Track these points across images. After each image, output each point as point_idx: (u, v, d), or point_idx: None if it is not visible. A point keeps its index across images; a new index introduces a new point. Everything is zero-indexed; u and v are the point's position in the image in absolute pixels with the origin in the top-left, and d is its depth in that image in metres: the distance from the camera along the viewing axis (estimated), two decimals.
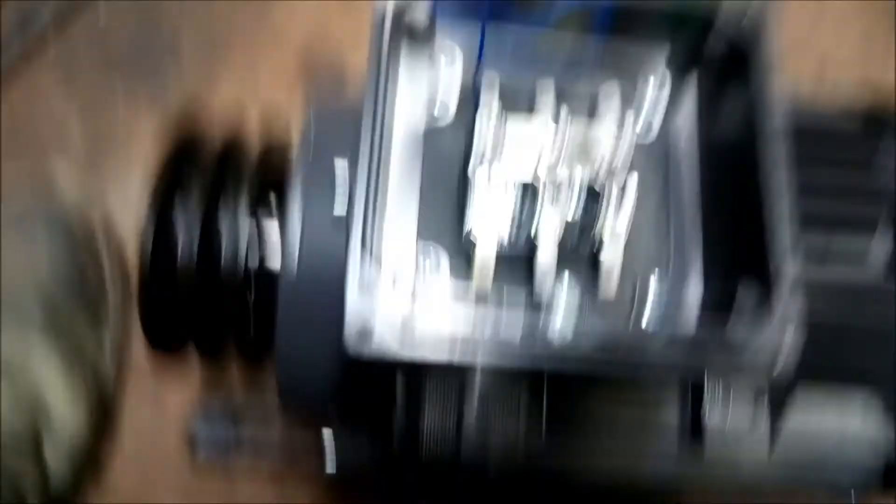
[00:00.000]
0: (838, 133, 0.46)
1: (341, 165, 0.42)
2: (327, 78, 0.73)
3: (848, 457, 0.48)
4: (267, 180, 0.51)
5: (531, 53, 0.43)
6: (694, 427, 0.46)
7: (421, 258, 0.40)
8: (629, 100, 0.43)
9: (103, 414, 0.67)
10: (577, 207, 0.40)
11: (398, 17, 0.37)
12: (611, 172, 0.38)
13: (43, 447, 0.61)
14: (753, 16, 0.39)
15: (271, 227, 0.50)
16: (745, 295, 0.36)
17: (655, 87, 0.43)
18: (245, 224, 0.47)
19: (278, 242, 0.48)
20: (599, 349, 0.35)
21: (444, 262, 0.40)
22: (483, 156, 0.38)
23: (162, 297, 0.47)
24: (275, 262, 0.46)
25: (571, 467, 0.47)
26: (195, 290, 0.46)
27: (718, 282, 0.41)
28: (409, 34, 0.38)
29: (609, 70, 0.43)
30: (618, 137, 0.39)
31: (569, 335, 0.36)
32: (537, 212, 0.39)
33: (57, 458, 0.62)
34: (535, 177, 0.39)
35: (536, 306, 0.40)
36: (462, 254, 0.40)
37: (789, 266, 0.35)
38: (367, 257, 0.35)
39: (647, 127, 0.44)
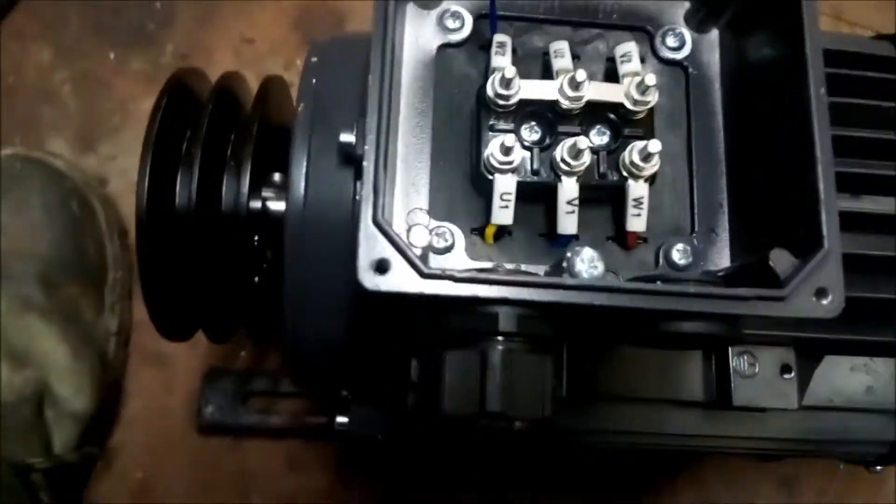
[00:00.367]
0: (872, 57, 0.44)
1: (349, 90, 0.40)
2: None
3: (872, 429, 0.46)
4: (268, 135, 0.49)
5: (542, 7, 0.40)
6: (720, 387, 0.43)
7: (434, 234, 0.37)
8: (644, 59, 0.40)
9: (110, 397, 0.65)
10: (603, 132, 0.37)
11: None
12: (639, 91, 0.36)
13: (50, 432, 0.59)
14: None
15: (276, 176, 0.48)
16: (779, 258, 0.32)
17: (673, 44, 0.40)
18: (246, 167, 0.45)
19: (282, 183, 0.45)
20: (632, 281, 0.32)
21: (459, 236, 0.37)
22: (502, 74, 0.35)
23: (163, 246, 0.44)
24: (279, 204, 0.43)
25: (594, 427, 0.45)
26: (196, 234, 0.43)
27: (749, 247, 0.38)
28: None
29: (624, 27, 0.41)
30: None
31: (598, 268, 0.33)
32: (562, 136, 0.36)
33: (63, 438, 0.60)
34: (559, 96, 0.36)
35: (559, 241, 0.37)
36: (479, 186, 0.38)
37: (836, 234, 0.31)
38: (382, 186, 0.31)
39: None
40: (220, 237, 0.45)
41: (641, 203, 0.36)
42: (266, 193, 0.47)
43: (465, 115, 0.39)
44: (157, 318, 0.47)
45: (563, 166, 0.36)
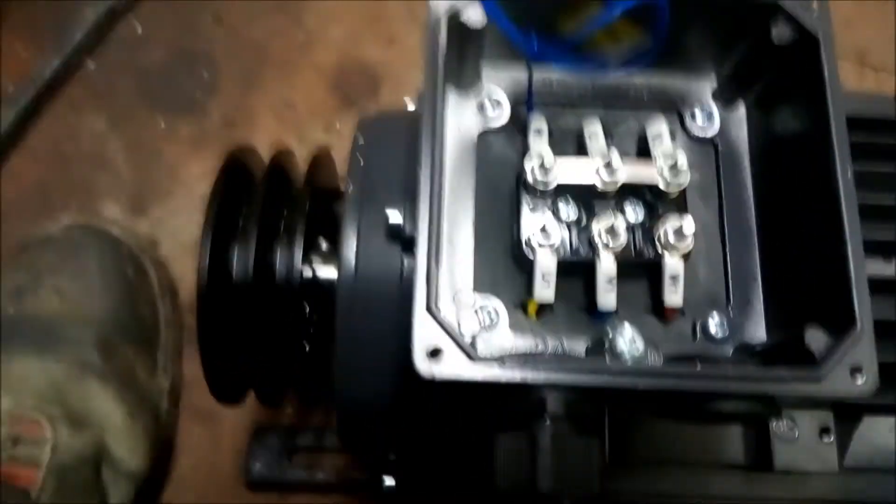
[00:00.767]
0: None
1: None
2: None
3: None
4: (316, 204, 0.51)
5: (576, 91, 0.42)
6: (761, 451, 0.44)
7: (479, 313, 0.39)
8: (675, 136, 0.42)
9: (162, 455, 0.67)
10: (638, 210, 0.39)
11: (453, 17, 0.36)
12: (672, 173, 0.38)
13: (107, 492, 0.61)
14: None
15: (324, 244, 0.51)
16: (815, 337, 0.34)
17: (702, 121, 0.42)
18: (299, 241, 0.47)
19: (329, 251, 0.48)
20: (671, 363, 0.34)
21: (503, 312, 0.39)
22: (539, 159, 0.37)
23: (220, 317, 0.47)
24: (332, 271, 0.46)
25: (636, 490, 0.46)
26: (252, 304, 0.46)
27: (784, 319, 0.39)
28: (462, 36, 0.37)
29: (654, 105, 0.43)
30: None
31: (639, 346, 0.34)
32: (599, 214, 0.38)
33: (119, 498, 0.62)
34: (595, 179, 0.38)
35: (598, 317, 0.39)
36: (520, 263, 0.40)
37: (868, 312, 0.33)
38: (434, 276, 0.33)
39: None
40: (274, 306, 0.48)
41: (677, 279, 0.37)
42: (315, 260, 0.50)
43: (504, 194, 0.41)
44: (213, 385, 0.50)
45: (600, 244, 0.38)
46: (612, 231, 0.37)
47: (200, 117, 0.81)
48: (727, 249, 0.40)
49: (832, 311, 0.34)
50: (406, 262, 0.43)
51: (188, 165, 0.79)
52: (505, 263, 0.40)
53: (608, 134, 0.41)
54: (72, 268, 0.66)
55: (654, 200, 0.39)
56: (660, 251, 0.38)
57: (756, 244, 0.40)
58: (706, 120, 0.42)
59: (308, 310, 0.50)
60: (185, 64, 0.82)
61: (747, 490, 0.45)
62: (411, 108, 0.50)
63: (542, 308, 0.39)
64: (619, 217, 0.37)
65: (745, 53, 0.40)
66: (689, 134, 0.42)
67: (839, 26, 0.38)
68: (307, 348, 0.50)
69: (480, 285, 0.39)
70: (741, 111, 0.43)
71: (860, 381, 0.31)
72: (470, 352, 0.31)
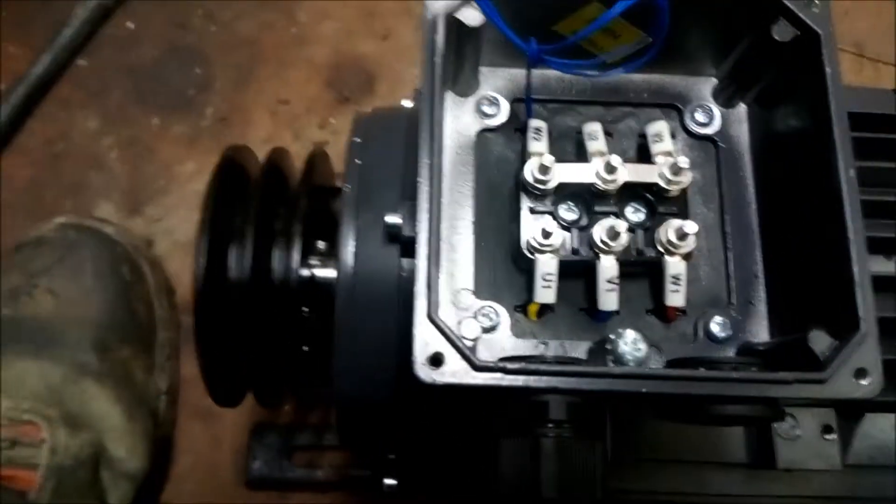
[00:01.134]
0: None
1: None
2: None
3: None
4: (313, 203, 0.51)
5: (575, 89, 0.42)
6: (763, 450, 0.44)
7: (479, 316, 0.38)
8: (675, 135, 0.41)
9: (161, 454, 0.67)
10: (639, 210, 0.39)
11: (450, 17, 0.36)
12: (673, 173, 0.37)
13: (106, 493, 0.61)
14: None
15: (321, 244, 0.51)
16: (818, 339, 0.33)
17: (703, 119, 0.42)
18: (297, 241, 0.47)
19: (327, 251, 0.47)
20: (674, 367, 0.34)
21: (504, 315, 0.38)
22: (538, 159, 0.37)
23: (218, 318, 0.46)
24: (330, 272, 0.45)
25: (637, 488, 0.46)
26: (249, 304, 0.45)
27: (787, 319, 0.39)
28: (459, 35, 0.37)
29: (654, 104, 0.42)
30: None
31: (642, 350, 0.34)
32: (599, 215, 0.38)
33: (118, 498, 0.62)
34: (596, 179, 0.38)
35: (601, 316, 0.39)
36: (521, 264, 0.39)
37: (872, 314, 0.32)
38: (434, 282, 0.33)
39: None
40: (272, 307, 0.47)
41: (679, 280, 0.37)
42: (313, 261, 0.49)
43: (504, 195, 0.41)
44: (212, 387, 0.49)
45: (601, 246, 0.37)
46: (612, 232, 0.36)
47: (194, 115, 0.80)
48: (729, 249, 0.40)
49: (835, 312, 0.34)
50: (404, 263, 0.43)
51: (182, 163, 0.78)
52: (505, 265, 0.40)
53: (607, 133, 0.41)
54: (66, 268, 0.65)
55: (655, 200, 0.39)
56: (661, 251, 0.38)
57: (758, 243, 0.40)
58: (706, 118, 0.42)
59: (306, 310, 0.49)
60: (178, 61, 0.81)
61: (749, 488, 0.45)
62: (408, 105, 0.49)
63: (543, 310, 0.39)
64: (620, 218, 0.37)
65: (745, 52, 0.40)
66: (689, 132, 0.42)
67: (837, 17, 0.37)
68: (305, 349, 0.50)
69: (480, 288, 0.39)
70: (742, 109, 0.42)
71: (865, 382, 0.31)
72: (472, 358, 0.31)
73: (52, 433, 0.59)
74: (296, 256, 0.48)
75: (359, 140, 0.47)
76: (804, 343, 0.32)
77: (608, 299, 0.37)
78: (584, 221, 0.39)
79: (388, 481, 0.50)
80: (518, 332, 0.38)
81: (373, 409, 0.45)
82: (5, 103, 0.77)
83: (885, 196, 0.42)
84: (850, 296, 0.32)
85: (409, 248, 0.42)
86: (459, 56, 0.38)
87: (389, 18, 0.83)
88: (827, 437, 0.43)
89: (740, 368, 0.32)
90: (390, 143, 0.47)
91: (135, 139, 0.79)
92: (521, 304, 0.39)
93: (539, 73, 0.41)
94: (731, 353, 0.37)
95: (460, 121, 0.41)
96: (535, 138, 0.39)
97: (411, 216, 0.41)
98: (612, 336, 0.34)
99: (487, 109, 0.41)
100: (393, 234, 0.42)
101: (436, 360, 0.31)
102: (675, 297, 0.37)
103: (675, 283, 0.37)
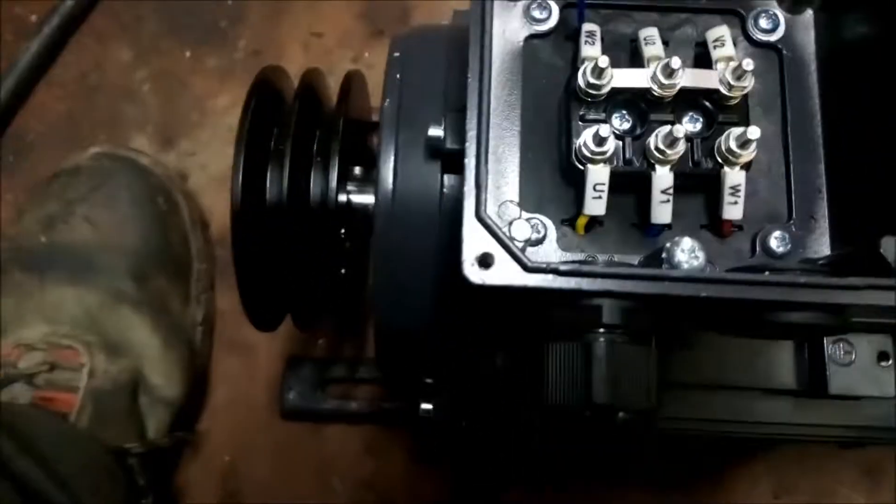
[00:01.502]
0: None
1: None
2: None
3: None
4: (349, 129, 0.50)
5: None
6: (814, 375, 0.43)
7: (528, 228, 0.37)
8: (736, 43, 0.39)
9: (197, 385, 0.67)
10: (697, 120, 0.37)
11: None
12: (735, 77, 0.35)
13: (145, 418, 0.62)
14: None
15: (358, 170, 0.49)
16: (890, 246, 0.31)
17: (766, 25, 0.39)
18: (334, 162, 0.46)
19: (363, 176, 0.46)
20: (740, 275, 0.32)
21: (551, 227, 0.37)
22: (591, 62, 0.35)
23: (254, 240, 0.45)
24: (367, 197, 0.44)
25: (682, 415, 0.45)
26: (286, 227, 0.44)
27: (850, 234, 0.37)
28: None
29: (714, 10, 0.40)
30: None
31: (699, 258, 0.33)
32: (655, 124, 0.36)
33: (156, 425, 0.63)
34: (651, 85, 0.36)
35: (651, 231, 0.37)
36: (570, 177, 0.38)
37: None
38: (483, 181, 0.32)
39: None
40: (309, 230, 0.47)
41: (738, 191, 0.35)
42: (350, 187, 0.48)
43: (553, 106, 0.39)
44: (250, 308, 0.49)
45: (657, 155, 0.36)
46: (670, 139, 0.35)
47: (227, 48, 0.78)
48: (790, 162, 0.38)
49: None
50: (447, 179, 0.42)
51: (215, 97, 0.77)
52: (552, 179, 0.38)
53: (664, 41, 0.38)
54: (103, 196, 0.65)
55: (714, 109, 0.37)
56: (719, 162, 0.36)
57: (821, 156, 0.38)
58: (770, 24, 0.39)
59: (343, 234, 0.48)
60: None
61: (798, 416, 0.44)
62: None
63: (592, 223, 0.37)
64: (679, 127, 0.35)
65: None
66: (751, 40, 0.39)
67: None
68: (343, 272, 0.49)
69: (526, 200, 0.38)
70: (808, 15, 0.40)
71: None
72: (523, 259, 0.30)
73: (91, 358, 0.60)
74: (333, 176, 0.47)
75: (398, 55, 0.45)
76: (873, 252, 0.31)
77: (662, 211, 0.36)
78: (638, 131, 0.37)
79: (425, 406, 0.49)
80: (565, 245, 0.37)
81: (411, 332, 0.45)
82: (38, 36, 0.76)
83: None
84: None
85: (451, 162, 0.41)
86: None
87: None
88: (882, 364, 0.41)
89: (807, 273, 0.31)
90: (431, 58, 0.45)
91: (168, 72, 0.78)
92: (569, 218, 0.38)
93: None
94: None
95: (508, 26, 0.39)
96: (588, 42, 0.37)
97: (454, 128, 0.40)
98: (667, 244, 0.32)
99: (537, 14, 0.39)
100: (435, 148, 0.41)
101: (485, 261, 0.30)
102: (733, 210, 0.36)
103: (733, 195, 0.35)
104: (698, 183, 0.37)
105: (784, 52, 0.39)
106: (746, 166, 0.36)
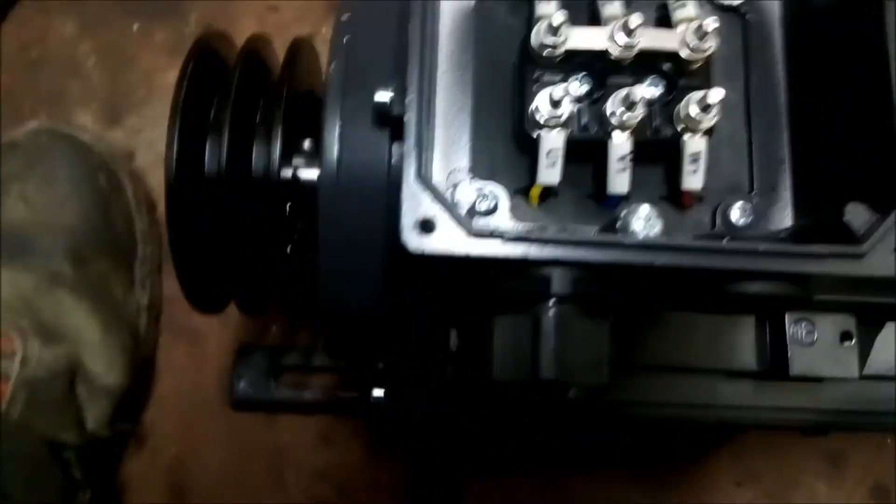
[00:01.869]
0: None
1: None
2: None
3: None
4: (297, 100, 0.47)
5: None
6: (776, 356, 0.41)
7: (477, 196, 0.34)
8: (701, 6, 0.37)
9: (142, 373, 0.64)
10: (657, 85, 0.35)
11: None
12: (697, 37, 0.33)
13: (84, 408, 0.59)
14: None
15: (307, 143, 0.47)
16: (856, 213, 0.30)
17: None
18: (276, 131, 0.43)
19: (312, 150, 0.43)
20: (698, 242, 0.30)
21: (503, 197, 0.35)
22: (546, 20, 0.33)
23: (193, 214, 0.43)
24: (316, 172, 0.42)
25: (639, 399, 0.43)
26: (227, 200, 0.42)
27: (813, 206, 0.35)
28: None
29: None
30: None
31: (656, 227, 0.31)
32: (613, 88, 0.34)
33: (95, 415, 0.59)
34: (609, 45, 0.34)
35: (608, 202, 0.35)
36: (523, 144, 0.35)
37: None
38: (426, 140, 0.29)
39: None
40: (252, 204, 0.44)
41: (699, 159, 0.34)
42: (297, 161, 0.46)
43: (507, 69, 0.37)
44: (188, 288, 0.46)
45: (614, 120, 0.34)
46: (628, 102, 0.33)
47: (177, 21, 0.75)
48: (753, 131, 0.36)
49: (873, 188, 0.30)
50: (395, 148, 0.39)
51: (164, 73, 0.74)
52: (505, 147, 0.36)
53: (625, 2, 0.36)
54: (39, 174, 0.61)
55: (675, 73, 0.35)
56: (680, 130, 0.34)
57: (785, 125, 0.36)
58: None
59: (290, 211, 0.46)
60: None
61: (759, 399, 0.42)
62: None
63: (546, 193, 0.35)
64: (637, 88, 0.33)
65: None
66: (714, 3, 0.38)
67: None
68: (288, 250, 0.47)
69: (479, 170, 0.35)
70: None
71: None
72: (466, 224, 0.28)
73: (24, 344, 0.56)
74: (276, 147, 0.44)
75: (346, 17, 0.42)
76: (836, 221, 0.29)
77: (619, 180, 0.34)
78: (595, 96, 0.35)
79: (377, 392, 0.47)
80: (518, 216, 0.35)
81: (360, 312, 0.42)
82: None
83: None
84: (892, 166, 0.29)
85: (399, 129, 0.38)
86: None
87: None
88: (845, 344, 0.40)
89: (768, 241, 0.29)
90: (382, 21, 0.42)
91: (114, 46, 0.74)
92: (523, 188, 0.35)
93: None
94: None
95: None
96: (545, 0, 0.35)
97: (402, 93, 0.37)
98: (622, 213, 0.30)
99: None
100: (383, 114, 0.38)
101: (426, 226, 0.28)
102: (693, 180, 0.34)
103: (693, 163, 0.33)
104: (658, 152, 0.35)
105: (748, 16, 0.37)
106: (708, 133, 0.34)
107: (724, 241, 0.29)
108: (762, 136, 0.36)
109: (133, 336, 0.63)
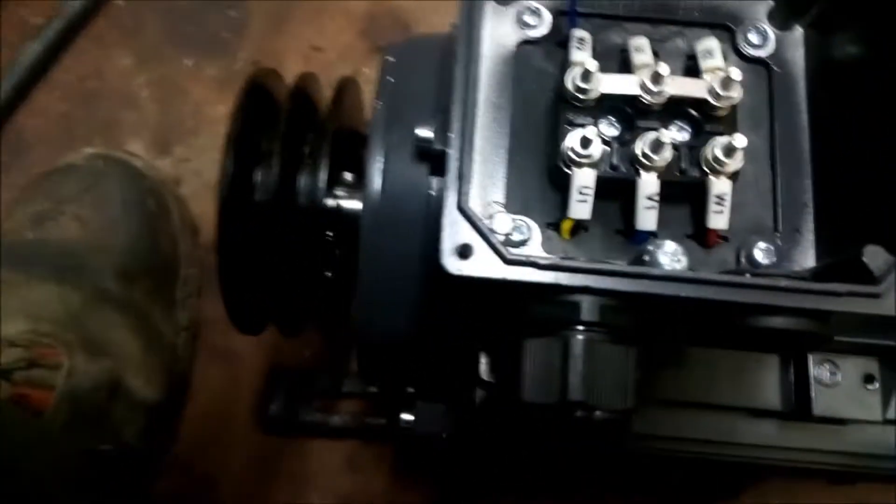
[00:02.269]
0: None
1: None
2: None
3: None
4: (342, 136, 0.50)
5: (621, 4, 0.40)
6: (799, 396, 0.42)
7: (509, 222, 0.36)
8: (726, 56, 0.39)
9: (178, 391, 0.66)
10: (684, 130, 0.37)
11: None
12: (723, 87, 0.35)
13: (121, 421, 0.61)
14: None
15: (349, 176, 0.49)
16: (874, 255, 0.31)
17: (756, 41, 0.40)
18: (324, 163, 0.46)
19: (354, 182, 0.46)
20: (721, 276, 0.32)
21: (535, 230, 0.37)
22: (581, 67, 0.35)
23: (240, 237, 0.45)
24: (357, 204, 0.44)
25: (662, 434, 0.44)
26: (273, 226, 0.44)
27: (835, 248, 0.37)
28: None
29: (705, 23, 0.40)
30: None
31: (682, 262, 0.32)
32: (641, 131, 0.36)
33: (132, 428, 0.61)
34: (641, 90, 0.36)
35: (637, 237, 0.37)
36: (556, 180, 0.38)
37: None
38: (467, 173, 0.32)
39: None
40: (296, 231, 0.46)
41: (723, 200, 0.35)
42: (340, 192, 0.48)
43: (542, 110, 0.39)
44: (231, 308, 0.48)
45: (643, 160, 0.36)
46: (656, 144, 0.34)
47: (227, 57, 0.79)
48: (777, 176, 0.38)
49: (891, 230, 0.31)
50: (434, 182, 0.42)
51: (213, 106, 0.78)
52: (539, 183, 0.38)
53: (654, 52, 0.39)
54: (93, 196, 0.65)
55: (702, 120, 0.37)
56: (706, 171, 0.36)
57: (808, 171, 0.38)
58: (760, 40, 0.40)
59: (331, 236, 0.48)
60: (214, 3, 0.80)
61: (783, 439, 0.43)
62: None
63: (577, 228, 0.37)
64: (665, 132, 0.35)
65: None
66: (741, 54, 0.40)
67: None
68: (329, 275, 0.49)
69: (513, 204, 0.37)
70: (798, 33, 0.40)
71: None
72: (502, 251, 0.30)
73: (70, 357, 0.59)
74: (322, 177, 0.46)
75: (392, 59, 0.45)
76: (856, 262, 0.30)
77: (646, 218, 0.35)
78: (625, 138, 0.37)
79: (406, 416, 0.48)
80: (549, 249, 0.37)
81: (394, 336, 0.44)
82: (42, 38, 0.77)
83: None
84: None
85: (439, 165, 0.41)
86: None
87: None
88: (868, 386, 0.41)
89: (790, 277, 0.30)
90: (425, 64, 0.45)
91: (167, 79, 0.78)
92: (554, 222, 0.37)
93: None
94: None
95: (499, 31, 0.40)
96: (579, 48, 0.37)
97: (443, 131, 0.40)
98: (650, 247, 0.32)
99: (529, 20, 0.39)
100: (423, 149, 0.40)
101: (464, 252, 0.30)
102: (718, 219, 0.35)
103: (718, 204, 0.35)
104: (684, 192, 0.37)
105: (773, 67, 0.39)
106: (733, 177, 0.36)
107: (747, 276, 0.30)
108: (786, 181, 0.38)
109: (171, 354, 0.65)
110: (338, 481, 0.68)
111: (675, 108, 0.37)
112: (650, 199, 0.35)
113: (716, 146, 0.35)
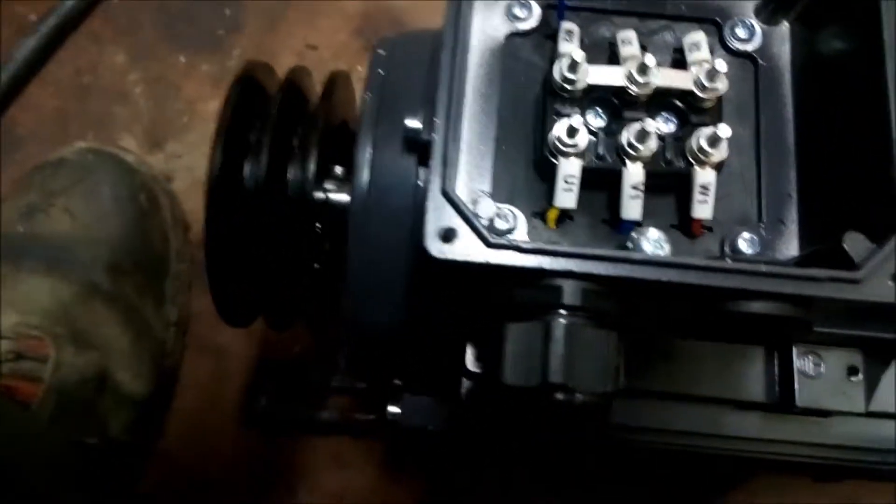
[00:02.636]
0: None
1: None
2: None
3: None
4: (332, 128, 0.50)
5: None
6: (783, 388, 0.42)
7: (497, 218, 0.37)
8: (713, 50, 0.40)
9: (166, 386, 0.66)
10: (670, 121, 0.37)
11: None
12: (709, 78, 0.36)
13: (108, 414, 0.61)
14: None
15: (339, 169, 0.50)
16: (854, 241, 0.32)
17: (743, 35, 0.40)
18: (313, 154, 0.46)
19: (344, 175, 0.46)
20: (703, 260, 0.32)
21: (521, 218, 0.37)
22: (568, 59, 0.36)
23: (229, 228, 0.45)
24: (346, 196, 0.44)
25: (646, 426, 0.44)
26: (261, 217, 0.44)
27: (818, 239, 0.37)
28: None
29: (692, 18, 0.41)
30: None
31: (665, 249, 0.33)
32: (628, 122, 0.36)
33: (119, 422, 0.61)
34: (627, 82, 0.36)
35: (622, 227, 0.37)
36: (542, 170, 0.38)
37: None
38: (452, 159, 0.32)
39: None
40: (284, 222, 0.46)
41: (708, 190, 0.36)
42: (329, 185, 0.48)
43: (530, 101, 0.39)
44: (219, 300, 0.48)
45: (629, 151, 0.36)
46: (641, 134, 0.35)
47: (221, 55, 0.79)
48: (761, 167, 0.38)
49: (874, 221, 0.32)
50: (422, 173, 0.42)
51: (206, 102, 0.78)
52: (526, 173, 0.39)
53: (642, 46, 0.39)
54: (84, 190, 0.65)
55: (688, 111, 0.37)
56: (691, 161, 0.36)
57: (793, 163, 0.38)
58: (747, 34, 0.40)
59: (320, 227, 0.48)
60: (209, 1, 0.81)
61: (765, 431, 0.43)
62: None
63: (563, 217, 0.37)
64: (650, 122, 0.35)
65: None
66: (728, 48, 0.40)
67: None
68: (317, 267, 0.49)
69: (499, 193, 0.38)
70: (784, 28, 0.40)
71: None
72: (486, 235, 0.30)
73: (58, 350, 0.59)
74: (311, 169, 0.47)
75: (382, 52, 0.46)
76: (837, 250, 0.31)
77: (632, 207, 0.36)
78: (611, 128, 0.37)
79: (392, 409, 0.48)
80: (535, 238, 0.37)
81: (382, 326, 0.44)
82: (36, 34, 0.77)
83: None
84: (891, 200, 0.31)
85: (426, 155, 0.41)
86: None
87: None
88: (852, 378, 0.41)
89: (770, 262, 0.30)
90: (415, 57, 0.45)
91: (161, 76, 0.79)
92: (540, 211, 0.38)
93: None
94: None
95: (489, 23, 0.40)
96: (566, 40, 0.38)
97: (431, 122, 0.40)
98: (634, 235, 0.32)
99: (518, 12, 0.40)
100: (412, 140, 0.41)
101: (448, 236, 0.30)
102: (703, 209, 0.36)
103: (703, 194, 0.35)
104: (670, 182, 0.37)
105: (760, 61, 0.40)
106: (718, 167, 0.36)
107: (727, 262, 0.30)
108: (771, 172, 0.38)
109: (160, 349, 0.65)
110: (326, 477, 0.68)
111: (662, 100, 0.37)
112: (635, 188, 0.36)
113: (701, 136, 0.36)
